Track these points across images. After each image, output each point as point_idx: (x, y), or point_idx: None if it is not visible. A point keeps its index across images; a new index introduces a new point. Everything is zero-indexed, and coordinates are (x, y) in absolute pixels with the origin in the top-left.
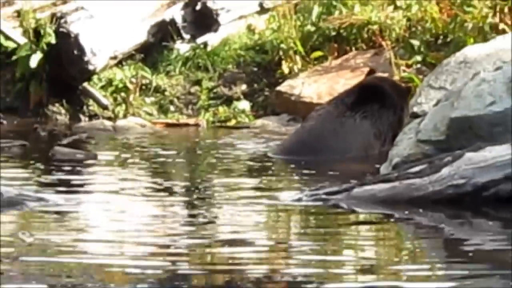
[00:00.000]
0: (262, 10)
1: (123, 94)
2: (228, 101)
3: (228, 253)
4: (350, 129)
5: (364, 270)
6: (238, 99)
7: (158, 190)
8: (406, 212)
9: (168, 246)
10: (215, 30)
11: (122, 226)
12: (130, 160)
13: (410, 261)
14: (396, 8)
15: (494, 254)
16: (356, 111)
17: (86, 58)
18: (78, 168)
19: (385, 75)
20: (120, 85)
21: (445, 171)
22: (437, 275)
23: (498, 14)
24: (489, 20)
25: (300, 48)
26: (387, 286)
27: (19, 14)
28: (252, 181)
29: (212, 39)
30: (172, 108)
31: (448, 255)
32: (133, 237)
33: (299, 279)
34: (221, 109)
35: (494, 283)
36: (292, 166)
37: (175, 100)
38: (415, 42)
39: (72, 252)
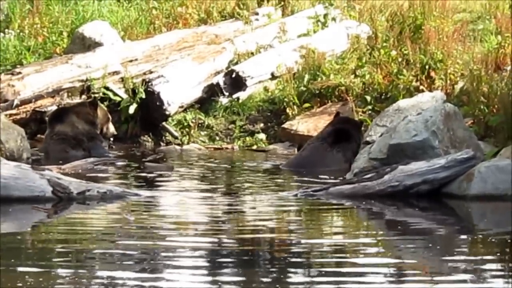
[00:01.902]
0: (273, 77)
1: (187, 129)
2: (252, 133)
3: (253, 226)
4: (330, 159)
5: (335, 235)
6: (258, 132)
7: (209, 190)
8: (364, 202)
9: (216, 226)
10: (244, 90)
11: (186, 213)
12: (193, 170)
13: (365, 232)
14: (356, 76)
15: (416, 228)
16: (333, 148)
17: (164, 107)
18: (161, 175)
19: (360, 120)
20: (185, 124)
21: (386, 177)
22: (380, 242)
23: (419, 80)
24: (413, 84)
25: (297, 101)
26: (351, 247)
27: (122, 79)
28: (268, 182)
29: (242, 95)
30: (217, 138)
31: (388, 229)
32: (193, 223)
33: (298, 239)
34: (247, 138)
35: (416, 243)
36: (293, 175)
37: (219, 133)
38: (368, 97)
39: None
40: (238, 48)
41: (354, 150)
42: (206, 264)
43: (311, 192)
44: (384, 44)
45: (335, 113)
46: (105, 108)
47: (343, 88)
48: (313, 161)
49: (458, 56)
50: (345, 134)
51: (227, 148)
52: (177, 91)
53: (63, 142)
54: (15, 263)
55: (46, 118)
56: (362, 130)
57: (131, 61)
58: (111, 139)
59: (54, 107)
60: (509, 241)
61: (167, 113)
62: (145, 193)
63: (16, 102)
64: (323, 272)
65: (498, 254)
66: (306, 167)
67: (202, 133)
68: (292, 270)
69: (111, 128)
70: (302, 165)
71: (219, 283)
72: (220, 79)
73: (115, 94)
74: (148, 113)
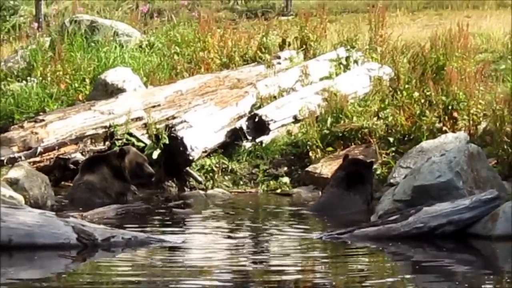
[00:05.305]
0: (296, 120)
1: (211, 174)
2: (276, 177)
3: (278, 265)
4: (348, 202)
5: (361, 279)
6: (282, 176)
7: (235, 235)
8: (390, 244)
9: (242, 272)
10: (267, 134)
11: (211, 260)
12: (218, 214)
13: (391, 273)
14: (379, 118)
15: (440, 268)
16: (350, 191)
17: (187, 152)
18: (186, 220)
19: (370, 160)
20: (209, 168)
21: (411, 219)
22: (406, 279)
23: (442, 121)
24: (436, 125)
25: (320, 144)
26: None
27: (145, 125)
28: (293, 225)
29: (265, 139)
30: (241, 182)
31: (413, 268)
32: (217, 268)
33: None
34: (271, 182)
35: (439, 284)
36: (317, 218)
37: (243, 177)
38: (391, 139)
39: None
40: (260, 92)
41: (369, 191)
42: None
43: (336, 235)
44: (407, 85)
45: (359, 156)
46: (136, 151)
47: (366, 130)
48: (331, 206)
49: (480, 96)
50: (358, 177)
51: (251, 192)
52: (201, 136)
53: (90, 192)
54: None
55: (71, 165)
56: (373, 170)
57: (154, 106)
58: (134, 189)
59: (78, 154)
60: None
61: (190, 158)
62: (170, 239)
63: (39, 149)
64: None
65: None
66: (326, 211)
67: (226, 177)
68: None
69: (148, 169)
70: (322, 210)
71: None
72: (243, 124)
73: (139, 140)
74: (171, 159)
